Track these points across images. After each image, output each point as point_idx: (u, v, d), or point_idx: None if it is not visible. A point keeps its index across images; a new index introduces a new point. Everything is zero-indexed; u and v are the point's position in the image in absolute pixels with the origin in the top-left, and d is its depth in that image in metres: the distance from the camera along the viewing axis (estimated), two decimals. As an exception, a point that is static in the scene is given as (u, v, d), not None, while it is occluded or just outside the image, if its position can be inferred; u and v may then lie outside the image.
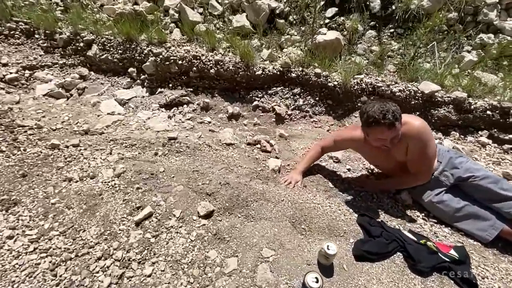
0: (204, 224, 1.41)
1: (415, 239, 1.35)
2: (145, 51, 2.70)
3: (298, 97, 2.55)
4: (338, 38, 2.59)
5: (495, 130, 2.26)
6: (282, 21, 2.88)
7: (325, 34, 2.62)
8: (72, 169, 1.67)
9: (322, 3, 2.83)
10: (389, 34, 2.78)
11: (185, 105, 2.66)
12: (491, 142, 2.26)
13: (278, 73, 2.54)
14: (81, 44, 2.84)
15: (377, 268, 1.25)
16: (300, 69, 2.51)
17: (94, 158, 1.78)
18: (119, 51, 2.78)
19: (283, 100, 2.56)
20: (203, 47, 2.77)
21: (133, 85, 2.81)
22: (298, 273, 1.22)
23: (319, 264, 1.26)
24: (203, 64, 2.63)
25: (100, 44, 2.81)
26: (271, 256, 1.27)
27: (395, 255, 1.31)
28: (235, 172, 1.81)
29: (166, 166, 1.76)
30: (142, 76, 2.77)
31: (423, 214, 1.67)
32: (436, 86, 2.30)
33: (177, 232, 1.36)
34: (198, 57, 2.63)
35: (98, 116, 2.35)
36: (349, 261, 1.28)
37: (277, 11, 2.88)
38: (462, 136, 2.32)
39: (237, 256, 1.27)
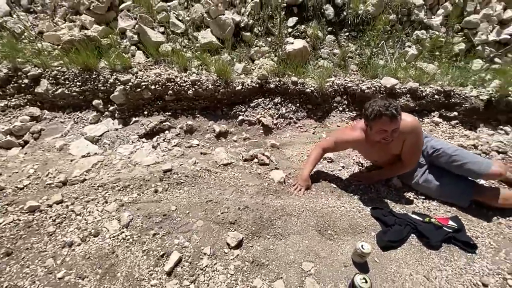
0: (238, 255, 1.39)
1: (420, 219, 1.57)
2: (111, 80, 2.46)
3: (279, 106, 2.65)
4: (305, 46, 2.77)
5: (443, 110, 2.73)
6: (248, 34, 2.94)
7: (292, 43, 2.77)
8: (68, 231, 1.45)
9: (283, 13, 2.98)
10: (345, 37, 3.08)
11: (166, 131, 2.52)
12: (442, 120, 2.72)
13: (257, 85, 2.60)
14: (26, 81, 2.43)
15: (401, 253, 1.43)
16: (277, 79, 2.62)
17: (89, 212, 1.58)
18: (77, 83, 2.47)
19: (266, 110, 2.63)
20: (173, 68, 2.65)
21: (101, 119, 2.53)
22: (340, 276, 1.31)
23: (354, 263, 1.37)
24: (179, 86, 2.52)
25: (51, 78, 2.45)
26: (312, 268, 1.34)
27: (410, 237, 1.51)
28: (246, 193, 1.81)
29: (176, 203, 1.67)
30: (111, 107, 2.52)
31: (413, 194, 1.94)
32: (394, 80, 2.66)
33: (214, 270, 1.31)
34: (172, 80, 2.51)
35: (72, 161, 2.07)
36: (378, 253, 1.42)
37: (242, 25, 2.92)
38: (420, 119, 2.73)
39: (281, 277, 1.30)
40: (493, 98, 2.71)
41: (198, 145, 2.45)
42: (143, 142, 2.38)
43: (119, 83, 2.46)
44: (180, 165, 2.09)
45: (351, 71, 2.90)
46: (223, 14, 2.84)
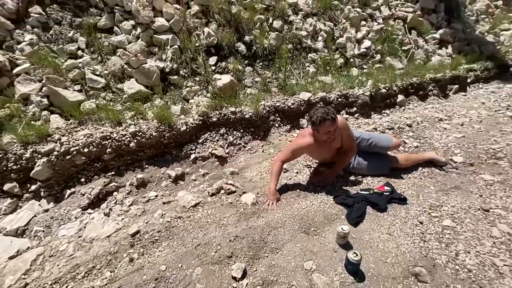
0: (247, 283, 1.43)
1: (367, 192, 2.01)
2: (26, 155, 2.05)
3: (226, 135, 2.82)
4: (232, 80, 3.10)
5: (347, 108, 3.55)
6: (175, 77, 3.05)
7: (220, 78, 3.06)
8: None
9: (202, 55, 3.25)
10: (260, 67, 3.62)
11: (115, 193, 2.27)
12: (349, 116, 3.52)
13: (200, 122, 2.71)
14: None
15: (367, 224, 1.79)
16: (217, 112, 2.81)
17: (55, 318, 1.28)
18: (-26, 171, 1.95)
19: (215, 143, 2.75)
20: (104, 125, 2.46)
21: (20, 204, 2.04)
22: (335, 261, 1.54)
23: (340, 246, 1.63)
24: (118, 142, 2.35)
25: None
26: (313, 264, 1.52)
27: (367, 209, 1.91)
28: (229, 224, 1.86)
29: (162, 261, 1.55)
30: (33, 187, 2.08)
31: (353, 176, 2.43)
32: (308, 93, 3.30)
33: (232, 309, 1.30)
34: (108, 137, 2.32)
35: (-5, 269, 1.59)
36: (352, 230, 1.74)
37: (167, 70, 3.01)
38: (335, 119, 3.45)
39: (293, 285, 1.41)
40: (372, 93, 3.73)
41: (156, 196, 2.31)
42: (90, 213, 2.06)
43: (39, 156, 2.08)
44: (147, 222, 1.94)
45: (274, 93, 3.41)
46: (146, 63, 2.87)
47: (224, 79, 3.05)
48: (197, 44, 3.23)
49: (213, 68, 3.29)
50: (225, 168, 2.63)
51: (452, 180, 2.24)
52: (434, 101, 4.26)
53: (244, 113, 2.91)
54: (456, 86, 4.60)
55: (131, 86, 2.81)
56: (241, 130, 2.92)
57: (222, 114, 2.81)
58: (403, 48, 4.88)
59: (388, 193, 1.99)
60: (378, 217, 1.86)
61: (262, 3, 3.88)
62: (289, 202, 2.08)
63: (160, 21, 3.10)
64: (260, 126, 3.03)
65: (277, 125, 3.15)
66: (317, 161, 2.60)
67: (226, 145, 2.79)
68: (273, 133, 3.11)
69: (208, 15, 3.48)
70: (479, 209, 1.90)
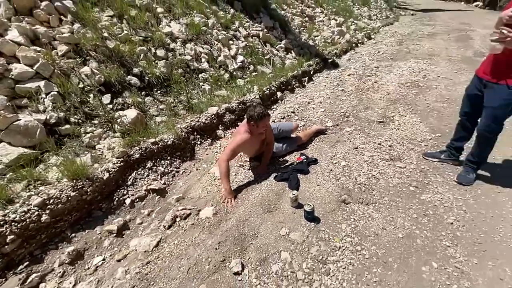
0: (249, 270, 1.64)
1: (293, 165, 2.64)
2: None
3: (155, 167, 2.73)
4: (138, 113, 2.99)
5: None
6: (67, 126, 2.61)
7: (126, 115, 2.89)
8: None
9: (91, 96, 2.94)
10: (159, 94, 3.64)
11: (42, 284, 1.77)
12: (251, 118, 4.19)
13: (122, 163, 2.50)
14: None
15: (303, 185, 2.39)
16: (137, 148, 2.67)
17: None
18: None
19: (146, 179, 2.62)
20: (-15, 210, 1.84)
21: None
22: (298, 219, 2.01)
23: (296, 207, 2.12)
24: (20, 222, 1.84)
25: None
26: (286, 229, 1.92)
27: (298, 176, 2.52)
28: (205, 239, 1.95)
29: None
30: None
31: (277, 158, 3.03)
32: (214, 108, 3.68)
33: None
34: (1, 222, 1.77)
35: None
36: (298, 196, 2.27)
37: (53, 121, 2.53)
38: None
39: (281, 250, 1.76)
40: (260, 95, 4.59)
41: (104, 259, 1.99)
42: (19, 323, 1.54)
43: None
44: (113, 287, 1.70)
45: (183, 115, 3.56)
46: (19, 120, 2.32)
47: (130, 114, 2.91)
48: (81, 86, 2.89)
49: (110, 106, 3.04)
50: (168, 198, 2.57)
51: (333, 138, 3.27)
52: (299, 91, 5.71)
53: (165, 140, 2.92)
54: (307, 78, 6.35)
55: (6, 153, 2.20)
56: (168, 158, 2.90)
57: (144, 148, 2.71)
58: (265, 57, 6.18)
59: (305, 160, 2.70)
60: (307, 178, 2.50)
61: (138, 36, 3.89)
62: (243, 198, 2.38)
63: (19, 68, 2.55)
64: (184, 148, 3.12)
65: (199, 142, 3.33)
66: (247, 159, 3.03)
67: (159, 176, 2.71)
68: (198, 150, 3.28)
69: (82, 54, 3.15)
70: (353, 149, 2.93)
